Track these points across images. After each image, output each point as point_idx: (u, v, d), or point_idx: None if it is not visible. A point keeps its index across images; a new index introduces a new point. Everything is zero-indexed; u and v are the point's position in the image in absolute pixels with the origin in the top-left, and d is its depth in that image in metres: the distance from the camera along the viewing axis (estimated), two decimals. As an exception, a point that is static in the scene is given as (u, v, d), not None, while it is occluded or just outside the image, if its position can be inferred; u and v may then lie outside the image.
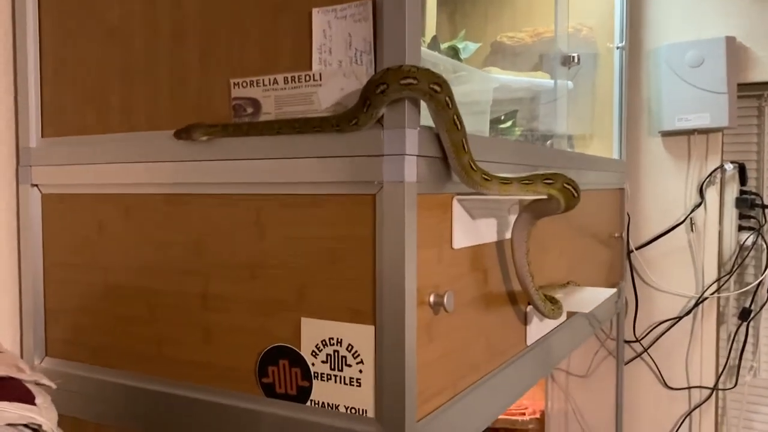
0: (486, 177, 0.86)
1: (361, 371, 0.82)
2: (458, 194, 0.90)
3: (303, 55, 0.84)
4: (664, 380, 2.10)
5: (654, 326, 2.10)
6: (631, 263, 2.12)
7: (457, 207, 0.90)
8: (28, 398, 0.76)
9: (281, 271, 0.87)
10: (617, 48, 1.98)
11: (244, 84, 0.88)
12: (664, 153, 2.09)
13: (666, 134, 2.07)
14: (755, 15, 1.94)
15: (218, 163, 0.91)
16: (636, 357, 2.14)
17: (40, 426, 0.73)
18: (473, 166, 0.84)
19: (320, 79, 0.82)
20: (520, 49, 1.82)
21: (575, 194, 0.91)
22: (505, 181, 0.87)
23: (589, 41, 1.89)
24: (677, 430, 2.10)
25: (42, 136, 1.11)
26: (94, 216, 1.05)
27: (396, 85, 0.74)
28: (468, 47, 1.46)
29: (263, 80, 0.87)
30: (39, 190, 1.11)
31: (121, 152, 1.00)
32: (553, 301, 1.15)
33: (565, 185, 0.89)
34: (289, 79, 0.85)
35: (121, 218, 1.02)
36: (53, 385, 0.82)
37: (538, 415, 2.23)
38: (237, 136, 0.88)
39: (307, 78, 0.83)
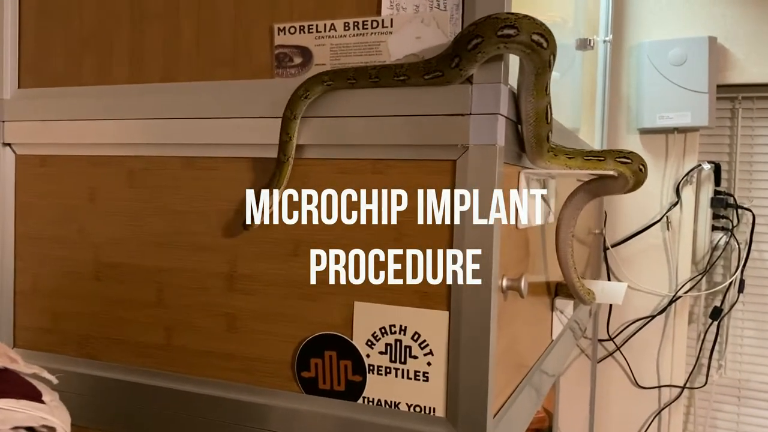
0: (554, 151, 0.77)
1: (429, 364, 0.71)
2: (525, 168, 0.81)
3: (369, -2, 0.73)
4: (635, 379, 2.09)
5: (627, 325, 2.09)
6: (607, 260, 2.10)
7: (523, 183, 0.81)
8: (34, 395, 0.61)
9: (331, 247, 0.75)
10: (603, 41, 1.95)
11: (292, 30, 0.76)
12: (642, 151, 2.08)
13: (645, 132, 2.07)
14: (736, 17, 1.96)
15: (252, 121, 0.78)
16: (608, 356, 2.12)
17: (54, 429, 0.59)
18: (549, 139, 0.75)
19: (391, 26, 0.71)
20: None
21: (645, 176, 0.84)
22: (571, 156, 0.79)
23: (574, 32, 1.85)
24: (647, 428, 2.09)
25: (18, 87, 0.94)
26: (85, 182, 0.89)
27: (493, 38, 0.63)
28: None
29: (316, 26, 0.75)
30: (12, 150, 0.94)
31: (126, 107, 0.85)
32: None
33: (641, 166, 0.82)
34: (351, 26, 0.73)
35: (122, 184, 0.86)
36: (54, 380, 0.67)
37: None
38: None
39: (375, 24, 0.72)
